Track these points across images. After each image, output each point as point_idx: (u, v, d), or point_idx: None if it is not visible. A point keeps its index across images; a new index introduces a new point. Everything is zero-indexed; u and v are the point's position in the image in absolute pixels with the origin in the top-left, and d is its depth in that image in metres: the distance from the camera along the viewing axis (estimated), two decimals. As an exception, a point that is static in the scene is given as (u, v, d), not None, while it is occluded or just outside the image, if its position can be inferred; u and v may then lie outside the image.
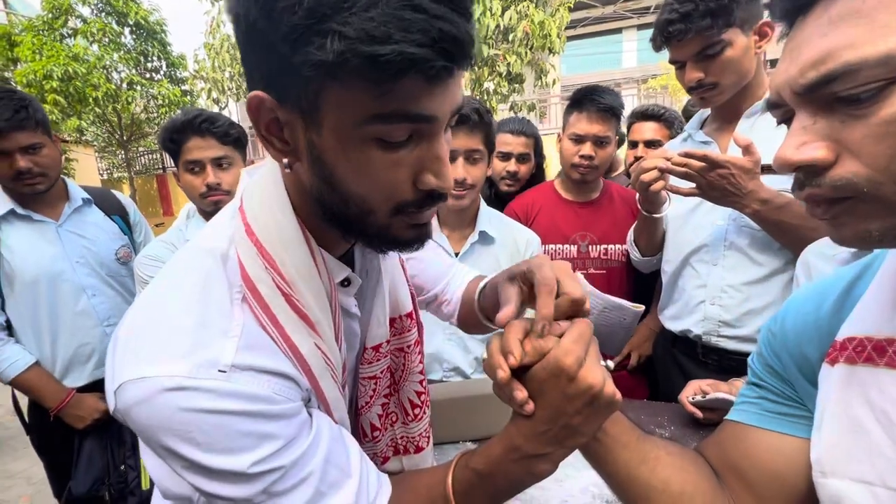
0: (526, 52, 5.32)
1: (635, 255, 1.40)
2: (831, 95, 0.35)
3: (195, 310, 0.44)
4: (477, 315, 0.75)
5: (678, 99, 12.96)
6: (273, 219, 0.47)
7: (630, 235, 1.42)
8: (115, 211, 1.56)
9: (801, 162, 0.37)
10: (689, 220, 1.22)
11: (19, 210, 1.34)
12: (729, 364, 1.15)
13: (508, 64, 5.27)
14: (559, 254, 1.54)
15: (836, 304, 0.49)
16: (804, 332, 0.51)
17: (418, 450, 0.69)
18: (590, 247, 1.53)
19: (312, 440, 0.46)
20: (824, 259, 0.93)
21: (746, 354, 1.11)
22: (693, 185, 1.03)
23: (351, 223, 0.45)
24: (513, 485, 0.50)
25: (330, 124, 0.39)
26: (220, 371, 0.41)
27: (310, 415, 0.49)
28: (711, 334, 1.17)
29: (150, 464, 0.48)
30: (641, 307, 1.32)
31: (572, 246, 1.54)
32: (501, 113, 6.75)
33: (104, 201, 1.55)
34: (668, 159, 1.03)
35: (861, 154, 0.35)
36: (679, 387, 1.29)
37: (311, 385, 0.49)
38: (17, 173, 1.27)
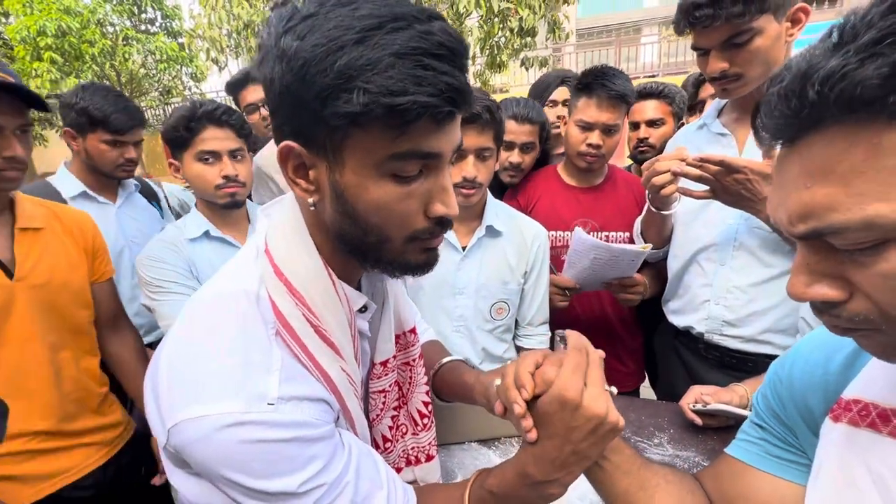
0: (539, 6, 4.96)
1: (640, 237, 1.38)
2: (828, 243, 0.35)
3: (239, 349, 0.48)
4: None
5: (700, 46, 12.18)
6: (301, 261, 0.52)
7: (637, 227, 1.39)
8: (152, 197, 1.73)
9: (814, 299, 0.37)
10: (699, 217, 1.18)
11: (89, 192, 1.53)
12: (730, 361, 1.16)
13: (521, 18, 4.92)
14: (560, 240, 1.50)
15: (846, 360, 0.49)
16: (811, 383, 0.52)
17: (429, 458, 0.73)
18: (591, 234, 1.47)
19: (347, 458, 0.52)
20: None
21: (747, 353, 1.15)
22: (707, 187, 0.99)
23: (369, 252, 0.51)
24: None
25: (352, 165, 0.45)
26: (269, 404, 0.46)
27: (339, 434, 0.54)
28: (714, 332, 1.17)
29: (188, 486, 0.51)
30: (649, 246, 1.28)
31: (573, 233, 1.48)
32: (512, 66, 6.41)
33: (144, 188, 1.72)
34: (682, 160, 0.99)
35: (871, 296, 0.34)
36: (680, 378, 1.32)
37: (340, 405, 0.54)
38: (127, 161, 1.52)
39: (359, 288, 0.60)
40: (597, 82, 1.34)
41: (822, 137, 0.33)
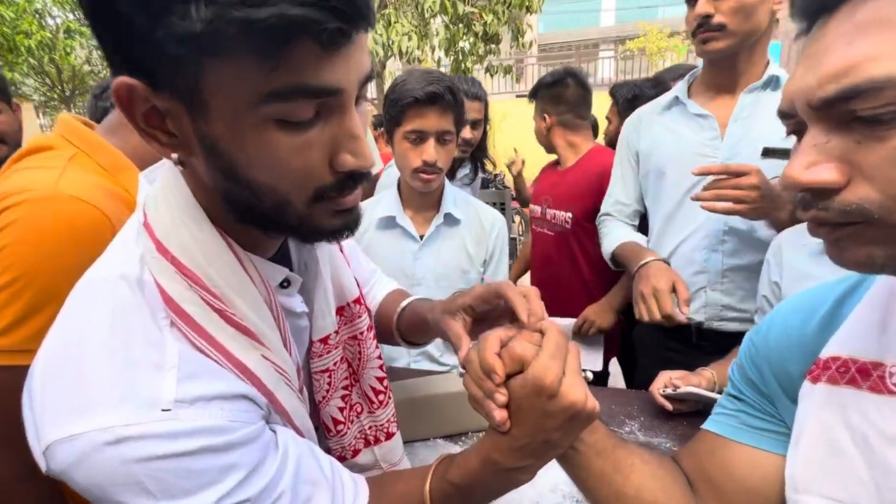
0: (503, 12, 5.06)
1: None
2: (850, 113, 0.32)
3: (117, 347, 0.39)
4: (393, 333, 0.76)
5: (654, 63, 12.88)
6: (188, 232, 0.42)
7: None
8: None
9: (810, 184, 0.35)
10: (680, 208, 1.15)
11: None
12: (727, 344, 1.07)
13: (485, 23, 5.01)
14: (532, 213, 1.79)
15: (823, 320, 0.47)
16: (788, 346, 0.49)
17: (389, 436, 0.67)
18: (547, 210, 1.70)
19: (280, 461, 0.44)
20: (795, 248, 0.91)
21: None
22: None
23: (268, 218, 0.41)
24: (490, 494, 0.51)
25: (218, 109, 0.34)
26: (163, 410, 0.37)
27: (273, 432, 0.46)
28: (714, 319, 1.15)
29: None
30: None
31: (540, 206, 1.72)
32: (476, 74, 6.50)
33: None
34: None
35: (875, 178, 0.32)
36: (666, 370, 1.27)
37: (268, 399, 0.46)
38: None
39: (281, 259, 0.51)
40: None
41: None
